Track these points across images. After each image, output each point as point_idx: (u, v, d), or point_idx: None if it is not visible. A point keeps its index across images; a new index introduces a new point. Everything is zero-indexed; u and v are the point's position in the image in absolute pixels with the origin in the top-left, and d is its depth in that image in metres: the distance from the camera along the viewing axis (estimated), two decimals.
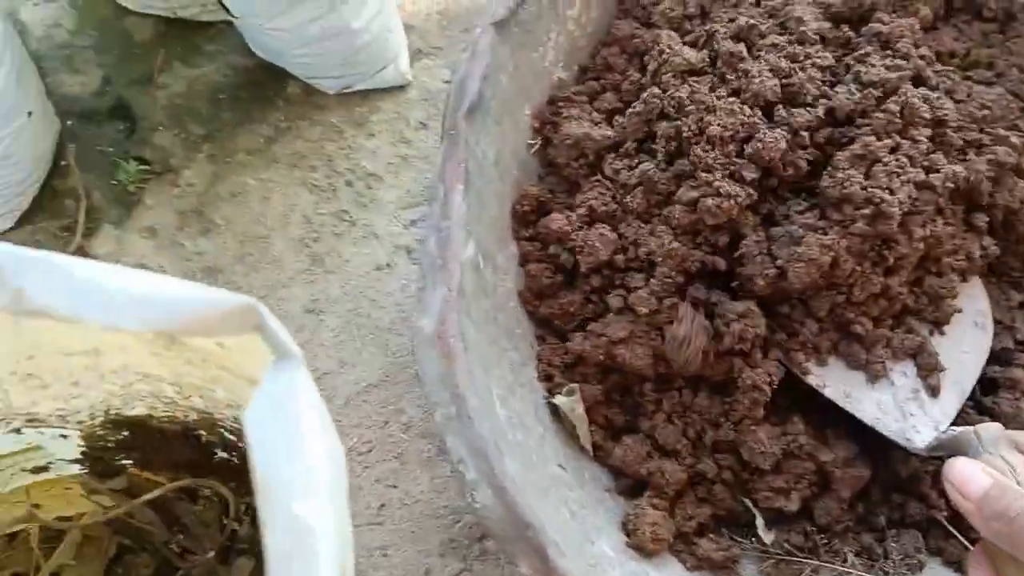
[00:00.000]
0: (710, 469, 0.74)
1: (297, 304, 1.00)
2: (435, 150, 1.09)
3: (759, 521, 0.74)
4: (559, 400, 0.73)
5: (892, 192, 0.68)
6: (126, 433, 0.63)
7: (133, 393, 0.57)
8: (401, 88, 1.14)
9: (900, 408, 0.73)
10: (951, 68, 0.81)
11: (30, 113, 1.00)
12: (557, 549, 0.57)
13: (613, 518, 0.73)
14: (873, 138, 0.70)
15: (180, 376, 0.50)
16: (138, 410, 0.60)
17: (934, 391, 0.74)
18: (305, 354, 0.96)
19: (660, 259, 0.72)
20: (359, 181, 1.07)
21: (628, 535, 0.72)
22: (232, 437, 0.60)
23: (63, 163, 1.10)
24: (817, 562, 0.73)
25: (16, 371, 0.51)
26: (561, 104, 0.84)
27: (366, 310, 0.99)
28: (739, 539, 0.76)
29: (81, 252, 1.03)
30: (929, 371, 0.74)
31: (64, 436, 0.62)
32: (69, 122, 1.13)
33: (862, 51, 0.77)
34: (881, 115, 0.72)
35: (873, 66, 0.74)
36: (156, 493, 0.62)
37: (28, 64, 1.02)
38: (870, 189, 0.68)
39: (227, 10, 1.00)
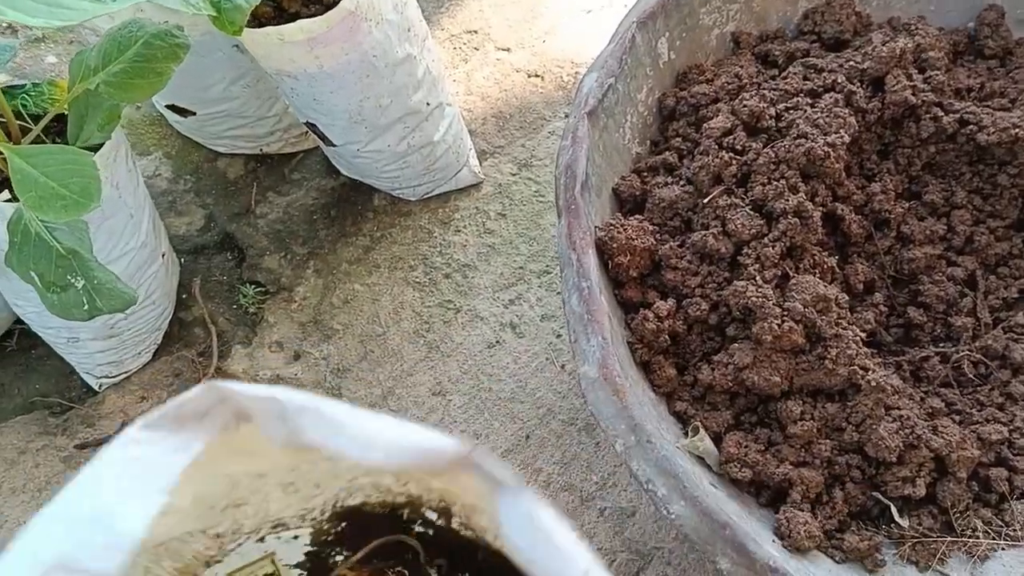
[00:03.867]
0: (842, 470, 0.84)
1: (424, 389, 1.10)
2: (518, 236, 1.22)
3: (894, 509, 0.83)
4: (683, 444, 0.83)
5: None
6: (343, 524, 0.69)
7: (357, 486, 0.63)
8: (475, 186, 1.27)
9: None
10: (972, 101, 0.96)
11: (163, 254, 1.12)
12: (754, 541, 0.67)
13: (765, 526, 0.83)
14: None
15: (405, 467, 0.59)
16: (358, 499, 0.65)
17: None
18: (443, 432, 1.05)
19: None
20: (456, 273, 1.19)
21: (782, 539, 0.81)
22: (432, 514, 0.68)
23: (184, 296, 1.22)
24: (951, 538, 0.83)
25: (281, 481, 0.59)
26: (646, 174, 0.97)
27: (486, 385, 1.10)
28: (873, 530, 0.86)
29: (220, 373, 1.14)
30: None
31: (296, 537, 0.67)
32: (183, 259, 1.25)
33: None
34: None
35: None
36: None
37: (157, 213, 1.14)
38: None
39: (327, 140, 1.13)
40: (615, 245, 0.87)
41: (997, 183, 0.96)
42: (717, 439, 0.86)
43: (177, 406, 0.39)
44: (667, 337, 0.86)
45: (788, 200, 0.86)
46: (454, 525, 0.65)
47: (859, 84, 0.95)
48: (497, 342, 1.13)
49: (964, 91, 1.00)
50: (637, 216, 0.91)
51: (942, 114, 0.95)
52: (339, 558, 0.74)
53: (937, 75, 0.96)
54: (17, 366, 1.16)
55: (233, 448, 0.45)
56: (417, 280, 1.20)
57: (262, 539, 0.66)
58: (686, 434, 0.86)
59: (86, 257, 0.83)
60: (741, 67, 1.01)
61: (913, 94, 0.94)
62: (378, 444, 0.41)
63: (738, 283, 0.85)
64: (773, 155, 0.89)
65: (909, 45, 0.96)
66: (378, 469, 0.42)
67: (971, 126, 0.94)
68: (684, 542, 0.96)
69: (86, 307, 0.84)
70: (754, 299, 0.83)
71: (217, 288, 1.23)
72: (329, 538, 0.70)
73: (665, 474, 0.70)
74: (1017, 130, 0.91)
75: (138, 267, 1.06)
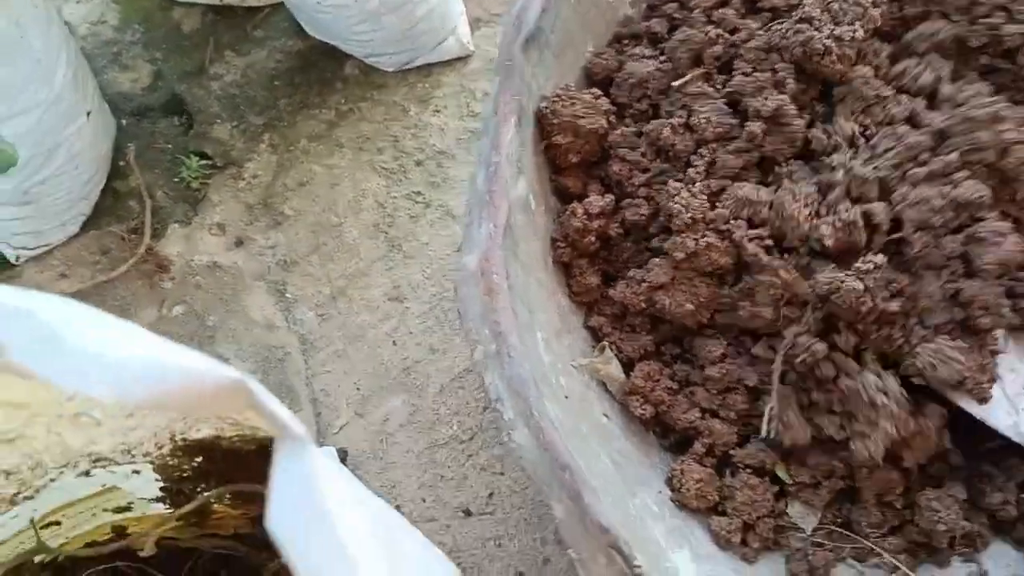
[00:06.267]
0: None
1: (379, 292, 0.96)
2: None
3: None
4: (580, 364, 0.69)
5: None
6: (200, 459, 0.60)
7: (195, 416, 0.55)
8: (463, 59, 1.09)
9: (1011, 402, 0.68)
10: None
11: (88, 113, 0.96)
12: (594, 494, 0.53)
13: (659, 473, 0.69)
14: None
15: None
16: (204, 432, 0.57)
17: None
18: (394, 343, 0.91)
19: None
20: (429, 160, 1.03)
21: (672, 490, 0.68)
22: None
23: (121, 164, 1.07)
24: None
25: (62, 413, 0.49)
26: (626, 42, 0.80)
27: (451, 294, 0.95)
28: None
29: (151, 254, 1.00)
30: None
31: (137, 472, 0.59)
32: (123, 121, 1.10)
33: None
34: None
35: None
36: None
37: (83, 63, 0.98)
38: None
39: None
40: (556, 121, 0.71)
41: None
42: (631, 366, 0.72)
43: None
44: (595, 239, 0.72)
45: (768, 100, 0.68)
46: None
47: None
48: None
49: None
50: (594, 91, 0.74)
51: (1002, 21, 0.73)
52: (207, 493, 0.62)
53: None
54: None
55: None
56: (384, 165, 1.03)
57: (87, 473, 0.54)
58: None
59: None
60: None
61: None
62: (106, 371, 0.27)
63: (673, 184, 0.69)
64: (766, 40, 0.70)
65: None
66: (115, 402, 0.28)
67: None
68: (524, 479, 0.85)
69: None
70: (676, 205, 0.67)
71: (159, 157, 1.07)
72: (185, 474, 0.59)
73: (516, 395, 0.56)
74: None
75: (53, 124, 0.90)
